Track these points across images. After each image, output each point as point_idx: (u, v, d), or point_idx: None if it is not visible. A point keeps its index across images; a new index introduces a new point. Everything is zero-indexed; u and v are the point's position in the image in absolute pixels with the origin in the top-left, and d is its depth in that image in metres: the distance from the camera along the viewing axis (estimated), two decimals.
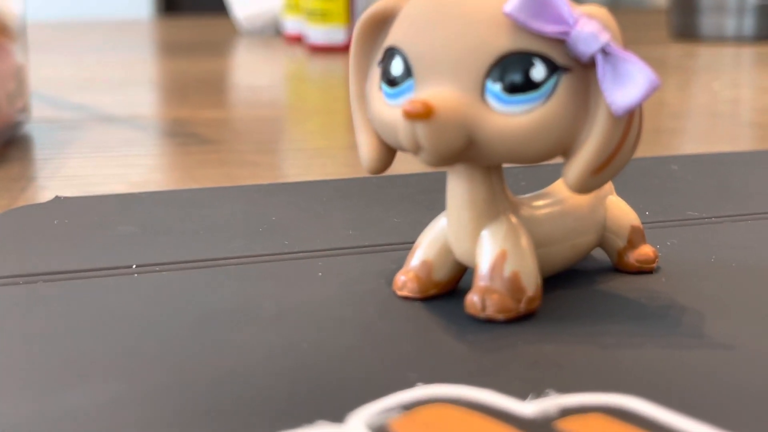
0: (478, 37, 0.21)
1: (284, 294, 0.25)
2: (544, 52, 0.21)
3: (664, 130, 0.52)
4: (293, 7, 0.94)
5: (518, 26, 0.21)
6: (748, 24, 0.90)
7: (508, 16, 0.21)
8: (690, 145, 0.49)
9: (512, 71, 0.21)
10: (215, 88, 0.71)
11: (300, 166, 0.46)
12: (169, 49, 0.97)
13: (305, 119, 0.60)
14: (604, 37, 0.21)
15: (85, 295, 0.25)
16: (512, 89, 0.21)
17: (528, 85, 0.21)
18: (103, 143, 0.50)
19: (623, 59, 0.21)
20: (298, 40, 0.94)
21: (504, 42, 0.21)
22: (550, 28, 0.21)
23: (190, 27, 1.15)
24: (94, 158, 0.46)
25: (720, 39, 0.90)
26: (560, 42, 0.21)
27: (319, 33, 0.86)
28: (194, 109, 0.60)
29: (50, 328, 0.23)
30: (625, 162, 0.22)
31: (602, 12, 0.21)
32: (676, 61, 0.82)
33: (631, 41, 0.90)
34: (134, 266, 0.28)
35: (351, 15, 0.85)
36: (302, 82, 0.77)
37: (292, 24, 0.95)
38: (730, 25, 0.90)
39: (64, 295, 0.25)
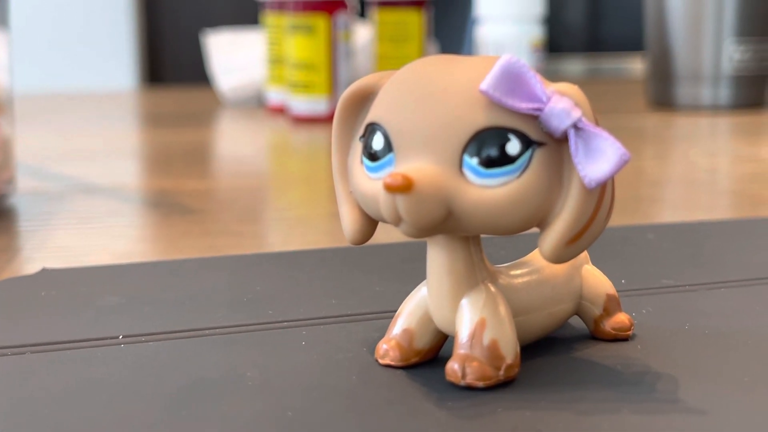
0: (456, 114, 0.22)
1: (268, 363, 0.26)
2: (519, 127, 0.22)
3: (643, 198, 0.53)
4: (276, 78, 0.96)
5: (493, 103, 0.22)
6: (724, 93, 0.92)
7: (483, 93, 0.22)
8: (668, 214, 0.50)
9: (488, 146, 0.22)
10: (199, 159, 0.72)
11: (283, 235, 0.46)
12: (153, 120, 0.98)
13: (288, 189, 0.60)
14: (576, 114, 0.22)
15: (73, 366, 0.26)
16: (489, 163, 0.22)
17: (504, 159, 0.22)
18: (87, 214, 0.50)
19: (594, 134, 0.22)
20: (281, 111, 0.95)
21: (480, 118, 0.22)
22: (524, 105, 0.22)
23: (173, 98, 1.16)
24: (79, 229, 0.47)
25: (696, 108, 0.92)
26: (534, 118, 0.22)
27: (302, 104, 0.87)
28: (178, 180, 0.61)
29: (38, 398, 0.23)
30: (599, 232, 0.23)
31: (573, 89, 0.22)
32: (653, 130, 0.83)
33: (609, 110, 0.92)
34: (121, 337, 0.28)
35: (333, 86, 0.86)
36: (285, 152, 0.78)
37: (275, 95, 0.96)
38: (706, 94, 0.92)
39: (52, 366, 0.26)
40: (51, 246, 0.42)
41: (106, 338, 0.28)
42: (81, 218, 0.49)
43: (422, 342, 0.25)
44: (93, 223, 0.48)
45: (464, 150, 0.22)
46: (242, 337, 0.28)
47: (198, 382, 0.24)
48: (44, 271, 0.36)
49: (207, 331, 0.28)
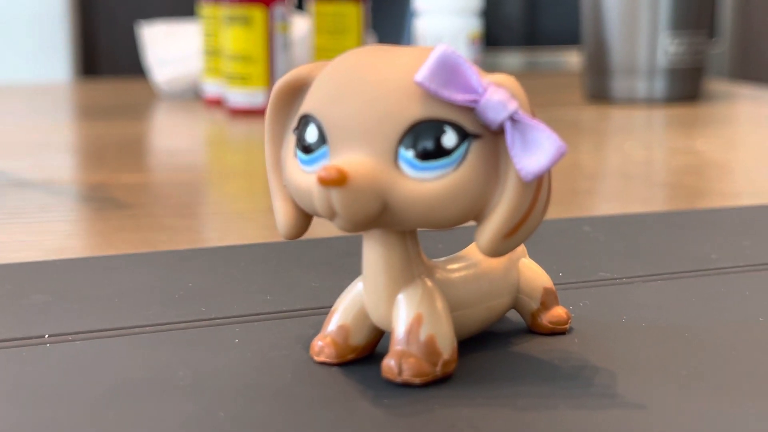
0: (391, 105, 0.22)
1: (200, 361, 0.25)
2: (455, 119, 0.22)
3: (579, 191, 0.53)
4: (213, 70, 0.94)
5: (429, 95, 0.22)
6: (659, 86, 0.92)
7: (419, 84, 0.22)
8: (604, 206, 0.51)
9: (424, 138, 0.22)
10: (134, 152, 0.71)
11: (219, 229, 0.46)
12: (87, 112, 0.96)
13: (225, 182, 0.60)
14: (512, 106, 0.21)
15: None
16: (424, 156, 0.22)
17: (440, 152, 0.22)
18: (18, 209, 0.49)
19: (531, 127, 0.21)
20: (217, 103, 0.94)
21: (415, 110, 0.22)
22: (460, 97, 0.22)
23: (109, 90, 1.14)
24: (9, 225, 0.45)
25: (632, 101, 0.93)
26: (470, 110, 0.22)
27: (239, 96, 0.86)
28: (112, 173, 0.59)
29: None
30: (536, 225, 0.23)
31: (510, 81, 0.22)
32: (589, 122, 0.84)
33: (546, 104, 0.92)
34: (47, 336, 0.27)
35: (271, 78, 0.85)
36: (222, 145, 0.77)
37: (212, 87, 0.95)
38: (641, 87, 0.93)
39: None
40: None
41: (31, 338, 0.27)
42: (11, 213, 0.48)
43: (358, 338, 0.25)
44: (23, 219, 0.47)
45: (400, 142, 0.22)
46: (173, 336, 0.27)
47: (126, 383, 0.24)
48: None
49: (136, 329, 0.28)
